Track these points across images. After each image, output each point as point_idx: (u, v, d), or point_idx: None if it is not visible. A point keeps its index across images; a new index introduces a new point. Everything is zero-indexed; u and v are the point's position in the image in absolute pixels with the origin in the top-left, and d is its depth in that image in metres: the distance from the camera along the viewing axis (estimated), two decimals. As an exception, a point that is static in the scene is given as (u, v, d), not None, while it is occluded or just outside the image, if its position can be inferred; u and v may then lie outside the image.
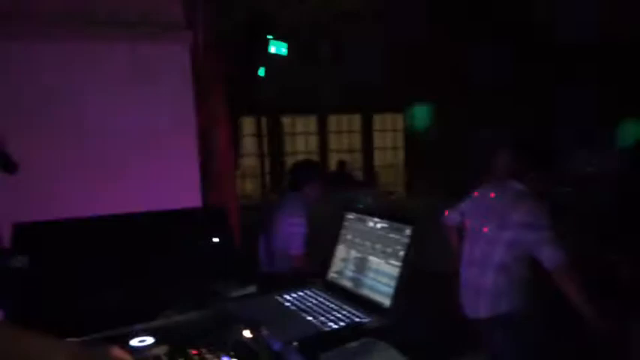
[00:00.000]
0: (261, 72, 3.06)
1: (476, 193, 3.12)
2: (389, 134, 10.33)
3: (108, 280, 1.66)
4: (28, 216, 1.60)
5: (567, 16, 6.51)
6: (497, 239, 2.78)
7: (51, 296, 1.61)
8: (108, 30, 2.80)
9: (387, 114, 10.08)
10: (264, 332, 1.37)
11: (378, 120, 10.08)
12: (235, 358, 1.27)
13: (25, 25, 2.68)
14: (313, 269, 2.49)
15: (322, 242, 3.22)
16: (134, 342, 1.34)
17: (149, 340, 1.36)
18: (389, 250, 1.56)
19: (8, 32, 2.64)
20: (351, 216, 1.79)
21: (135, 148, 2.97)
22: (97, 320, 1.45)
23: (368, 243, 1.67)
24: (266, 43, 2.78)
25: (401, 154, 10.27)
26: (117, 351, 1.17)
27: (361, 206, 5.63)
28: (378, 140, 10.18)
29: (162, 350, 1.31)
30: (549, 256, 2.60)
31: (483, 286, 2.81)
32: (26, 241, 1.62)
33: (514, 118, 7.14)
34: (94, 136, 2.90)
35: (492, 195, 2.96)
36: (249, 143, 8.86)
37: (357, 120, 9.90)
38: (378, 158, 10.22)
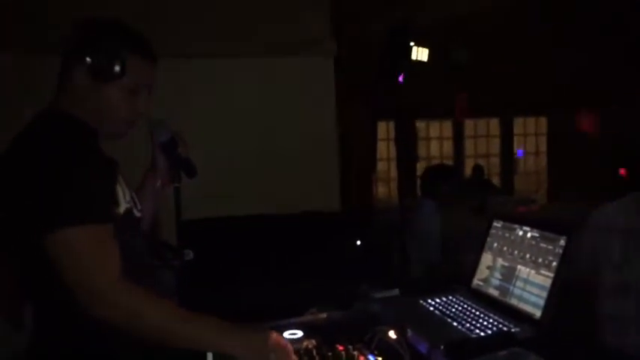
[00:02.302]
0: (401, 79, 3.08)
1: None
2: (530, 138, 9.75)
3: (260, 275, 1.78)
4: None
5: None
6: None
7: (211, 286, 1.76)
8: (260, 48, 3.04)
9: (529, 117, 9.51)
10: (409, 334, 1.39)
11: (518, 124, 9.56)
12: (380, 357, 1.31)
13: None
14: (450, 276, 2.44)
15: (458, 248, 3.16)
16: (286, 334, 1.43)
17: (299, 333, 1.45)
18: (540, 259, 1.51)
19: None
20: (498, 224, 1.75)
21: (282, 153, 3.16)
22: (250, 311, 1.56)
23: (517, 252, 1.62)
24: (408, 50, 2.79)
25: (543, 160, 9.64)
26: (277, 336, 1.26)
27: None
28: (518, 145, 9.66)
29: (311, 344, 1.38)
30: None
31: None
32: (191, 235, 1.78)
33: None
34: (250, 140, 3.15)
35: None
36: (380, 147, 8.86)
37: (495, 124, 9.47)
38: (518, 164, 9.69)
